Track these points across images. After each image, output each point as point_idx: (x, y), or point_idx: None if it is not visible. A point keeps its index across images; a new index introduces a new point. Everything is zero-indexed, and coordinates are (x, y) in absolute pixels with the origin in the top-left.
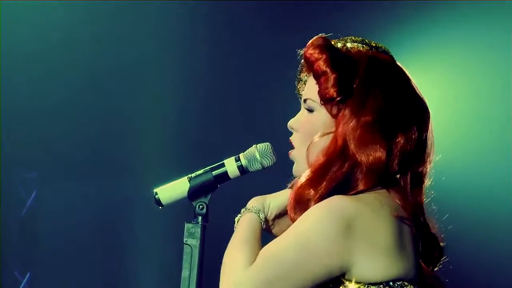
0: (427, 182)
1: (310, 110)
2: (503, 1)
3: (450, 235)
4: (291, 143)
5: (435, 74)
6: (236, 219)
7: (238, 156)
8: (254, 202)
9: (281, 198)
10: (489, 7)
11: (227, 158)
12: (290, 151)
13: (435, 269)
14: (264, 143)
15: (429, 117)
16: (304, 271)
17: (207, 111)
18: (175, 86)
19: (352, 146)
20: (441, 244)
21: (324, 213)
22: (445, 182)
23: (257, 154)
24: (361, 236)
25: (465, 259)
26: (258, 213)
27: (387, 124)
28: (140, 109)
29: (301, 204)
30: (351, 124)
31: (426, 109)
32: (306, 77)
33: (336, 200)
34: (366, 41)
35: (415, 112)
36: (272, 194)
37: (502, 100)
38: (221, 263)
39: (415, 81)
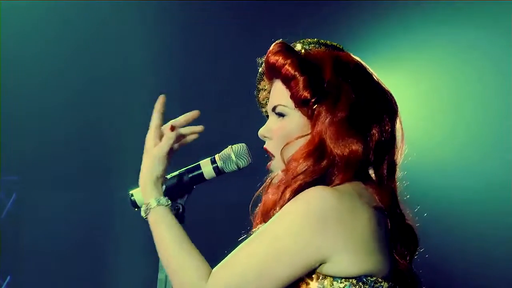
0: (398, 173)
1: (281, 115)
2: (484, 1)
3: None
4: (266, 150)
5: (416, 73)
6: (143, 215)
7: (214, 157)
8: (151, 191)
9: (159, 167)
10: (471, 7)
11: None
12: (269, 163)
13: (411, 260)
14: (240, 144)
15: (397, 107)
16: (276, 279)
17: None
18: (153, 93)
19: (328, 142)
20: (416, 234)
21: (300, 211)
22: (434, 182)
23: (233, 155)
24: (339, 230)
25: (464, 258)
26: (159, 202)
27: (361, 118)
28: (120, 118)
29: (272, 207)
30: (327, 122)
31: (393, 100)
32: (266, 86)
33: (315, 193)
34: (321, 41)
35: (385, 104)
36: (149, 168)
37: (486, 98)
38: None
39: (401, 80)
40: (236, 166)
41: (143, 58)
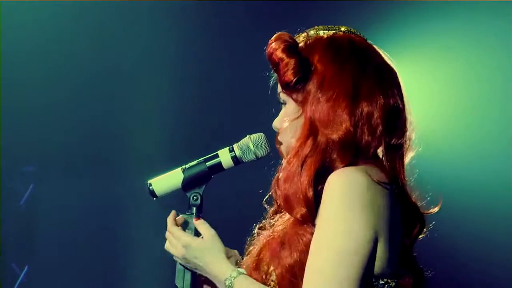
0: (410, 156)
1: (284, 104)
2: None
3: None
4: (278, 142)
5: (416, 69)
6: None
7: (232, 147)
8: (228, 267)
9: (217, 244)
10: (472, 6)
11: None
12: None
13: (420, 237)
14: (258, 133)
15: (397, 84)
16: (355, 278)
17: (200, 107)
18: (169, 84)
19: (318, 124)
20: (422, 214)
21: (342, 209)
22: (439, 176)
23: (251, 144)
24: (377, 210)
25: (463, 257)
26: (238, 271)
27: (348, 95)
28: (136, 108)
29: (291, 200)
30: (314, 103)
31: (393, 78)
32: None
33: (345, 182)
34: (329, 26)
35: (378, 80)
36: (211, 251)
37: (491, 96)
38: None
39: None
40: (254, 156)
41: (155, 53)
